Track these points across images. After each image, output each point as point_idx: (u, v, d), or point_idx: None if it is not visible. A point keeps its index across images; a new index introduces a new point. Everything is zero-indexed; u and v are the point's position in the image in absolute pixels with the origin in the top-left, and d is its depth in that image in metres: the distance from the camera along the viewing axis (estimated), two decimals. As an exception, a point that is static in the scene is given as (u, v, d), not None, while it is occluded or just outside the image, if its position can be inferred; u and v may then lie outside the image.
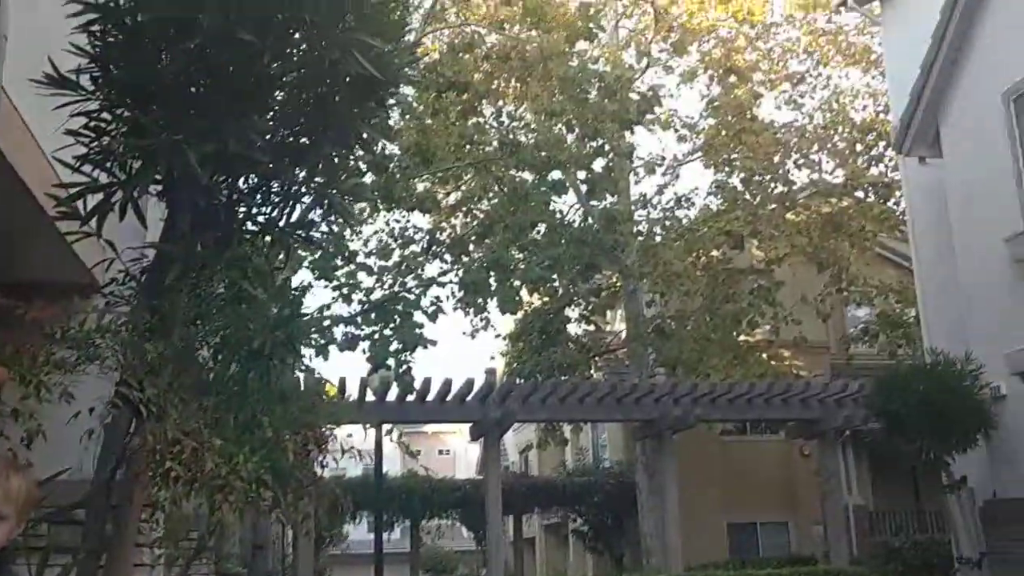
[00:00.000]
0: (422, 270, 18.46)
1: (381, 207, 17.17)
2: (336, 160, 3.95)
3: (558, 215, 18.32)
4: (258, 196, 3.73)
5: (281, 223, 3.88)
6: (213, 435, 2.87)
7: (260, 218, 3.84)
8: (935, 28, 10.75)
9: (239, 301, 3.61)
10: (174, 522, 4.06)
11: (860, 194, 20.01)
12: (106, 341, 2.84)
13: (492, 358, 22.79)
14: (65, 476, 3.24)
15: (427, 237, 18.65)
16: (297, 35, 3.43)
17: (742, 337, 19.19)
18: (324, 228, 4.21)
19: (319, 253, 15.93)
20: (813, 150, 20.62)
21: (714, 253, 19.21)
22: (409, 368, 16.98)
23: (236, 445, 3.10)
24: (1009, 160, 9.80)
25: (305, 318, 4.17)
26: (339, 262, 17.39)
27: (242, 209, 3.71)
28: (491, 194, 18.56)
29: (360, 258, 17.98)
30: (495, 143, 17.64)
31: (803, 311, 18.86)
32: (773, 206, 19.01)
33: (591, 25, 18.25)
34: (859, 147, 20.66)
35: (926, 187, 12.12)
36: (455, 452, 43.61)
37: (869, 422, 12.54)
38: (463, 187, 19.15)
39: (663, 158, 20.84)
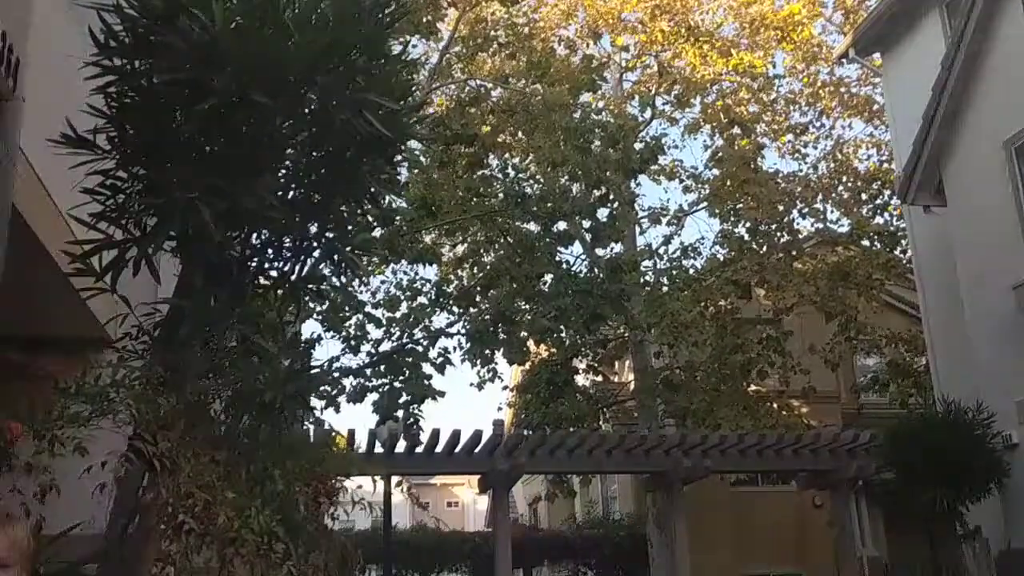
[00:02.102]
0: (430, 321, 18.52)
1: (389, 259, 17.29)
2: (346, 215, 4.02)
3: (564, 266, 18.40)
4: (270, 251, 3.80)
5: (292, 277, 3.94)
6: (225, 488, 2.90)
7: (272, 272, 3.90)
8: (936, 80, 10.90)
9: (250, 354, 3.65)
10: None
11: (866, 243, 20.06)
12: (120, 395, 2.88)
13: (499, 409, 22.74)
14: (78, 530, 3.25)
15: (434, 289, 18.74)
16: (309, 95, 3.52)
17: (752, 387, 19.10)
18: (334, 281, 4.27)
19: (327, 305, 16.03)
20: (818, 200, 20.73)
21: (722, 303, 19.19)
22: (417, 420, 16.97)
23: (248, 498, 3.12)
24: (1013, 209, 9.86)
25: (315, 371, 4.20)
26: (347, 313, 17.48)
27: (254, 263, 3.77)
28: (497, 245, 18.68)
29: (368, 309, 18.07)
30: (501, 195, 17.80)
31: (812, 361, 18.79)
32: (780, 255, 19.06)
33: (595, 76, 18.53)
34: (864, 196, 20.78)
35: (932, 236, 12.19)
36: (464, 504, 43.21)
37: (882, 472, 12.45)
38: (469, 239, 19.28)
39: (666, 209, 21.00)
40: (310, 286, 4.01)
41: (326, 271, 4.00)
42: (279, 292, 3.99)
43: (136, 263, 3.48)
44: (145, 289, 3.90)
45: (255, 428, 3.69)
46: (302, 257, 3.98)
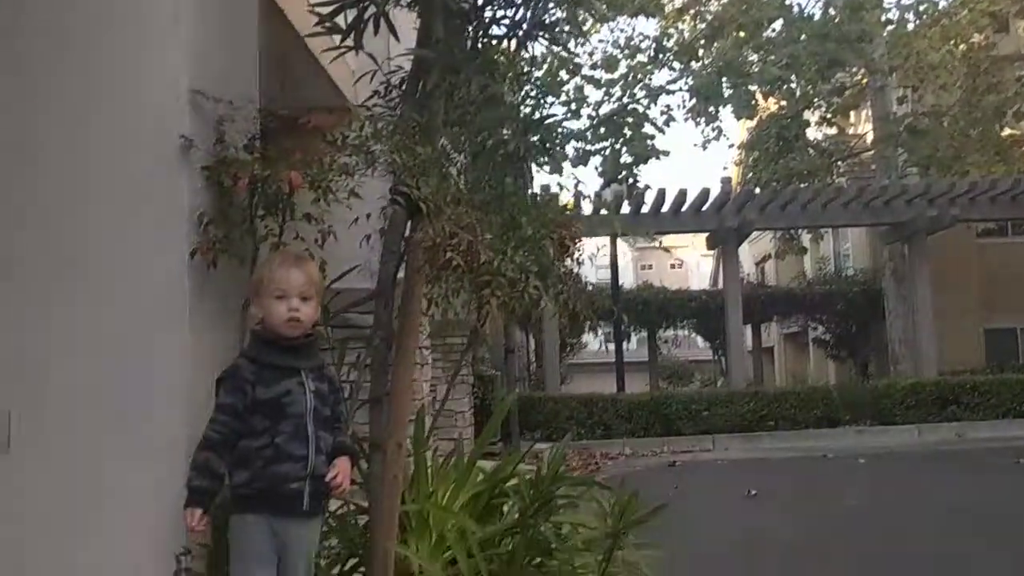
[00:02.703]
0: (650, 79, 18.01)
1: (606, 13, 16.67)
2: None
3: (795, 8, 17.07)
4: (502, -1, 3.74)
5: (525, 25, 3.88)
6: (484, 231, 3.04)
7: (504, 21, 3.86)
8: None
9: (492, 105, 3.70)
10: (445, 321, 4.41)
11: None
12: (381, 145, 3.03)
13: (725, 168, 22.21)
14: (354, 272, 3.56)
15: (654, 45, 18.05)
16: None
17: (1006, 131, 17.52)
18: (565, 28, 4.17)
19: (544, 68, 15.89)
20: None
21: (975, 39, 17.31)
22: (640, 181, 16.95)
23: (502, 241, 3.27)
24: None
25: (552, 119, 4.20)
26: (564, 76, 17.29)
27: (488, 13, 3.74)
28: (720, -9, 17.53)
29: (586, 71, 17.77)
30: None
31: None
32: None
33: None
34: None
35: None
36: (687, 266, 43.58)
37: None
38: (690, -14, 18.19)
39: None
40: (543, 33, 3.93)
41: (557, 14, 3.90)
42: (513, 42, 3.96)
43: (376, 20, 3.54)
44: (379, 56, 3.97)
45: (501, 177, 3.79)
46: (532, 4, 3.90)
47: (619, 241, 18.53)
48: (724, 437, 13.76)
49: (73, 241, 2.97)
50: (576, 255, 4.14)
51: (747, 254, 29.64)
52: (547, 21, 3.95)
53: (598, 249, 19.36)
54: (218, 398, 2.62)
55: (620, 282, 18.86)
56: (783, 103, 18.88)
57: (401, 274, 3.36)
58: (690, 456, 12.11)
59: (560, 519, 3.57)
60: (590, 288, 13.19)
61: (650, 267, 41.52)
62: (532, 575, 3.41)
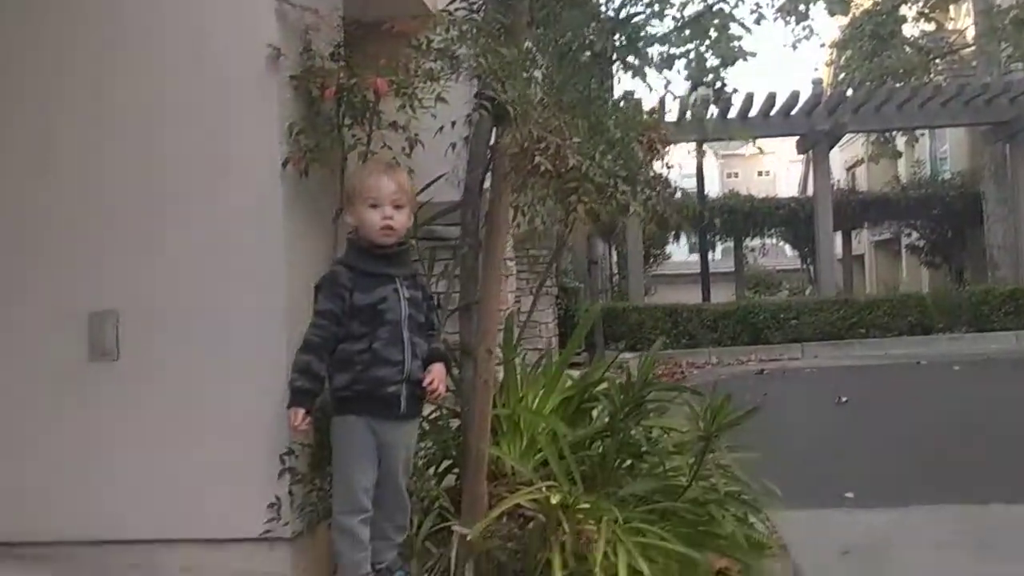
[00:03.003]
0: (736, -23, 17.25)
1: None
2: None
3: None
4: None
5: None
6: (572, 134, 2.99)
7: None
8: None
9: (577, 4, 3.60)
10: (530, 232, 4.40)
11: None
12: (465, 48, 2.98)
13: (816, 69, 21.35)
14: (441, 181, 3.57)
15: (740, -61, 17.25)
16: None
17: None
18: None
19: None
20: None
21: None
22: (726, 85, 16.41)
23: (589, 146, 3.21)
24: None
25: (639, 16, 4.07)
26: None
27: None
28: None
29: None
30: None
31: None
32: None
33: None
34: None
35: None
36: (775, 174, 42.43)
37: None
38: None
39: None
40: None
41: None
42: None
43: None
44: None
45: (587, 79, 3.71)
46: None
47: (705, 150, 18.11)
48: (813, 345, 13.57)
49: (166, 155, 3.03)
50: (665, 158, 4.06)
51: (837, 160, 28.68)
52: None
53: (688, 153, 18.92)
54: (317, 304, 2.69)
55: (706, 191, 18.49)
56: (879, -3, 17.96)
57: (487, 184, 3.35)
58: (778, 364, 11.99)
59: (650, 423, 3.59)
60: (678, 195, 12.91)
61: (736, 175, 40.61)
62: (622, 477, 3.45)
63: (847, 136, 18.49)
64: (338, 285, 2.67)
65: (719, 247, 24.40)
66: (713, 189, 26.12)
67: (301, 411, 2.61)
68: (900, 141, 21.73)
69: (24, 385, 3.05)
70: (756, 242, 24.44)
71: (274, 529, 2.89)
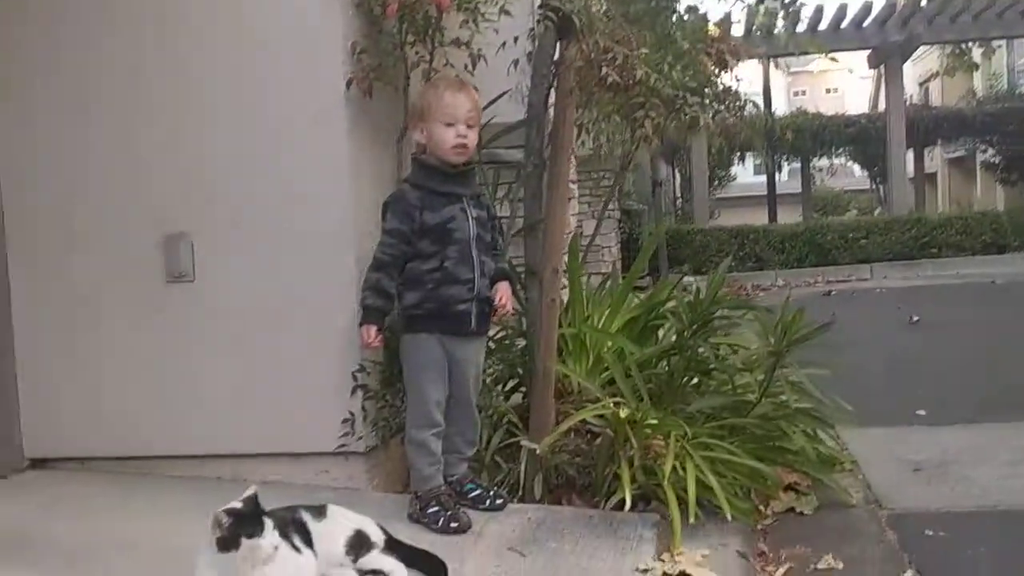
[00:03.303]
0: None
1: None
2: None
3: None
4: None
5: None
6: (639, 44, 2.92)
7: None
8: None
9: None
10: (593, 153, 4.34)
11: None
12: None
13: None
14: (504, 98, 3.52)
15: None
16: None
17: None
18: None
19: None
20: None
21: None
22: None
23: (658, 57, 3.14)
24: None
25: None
26: None
27: None
28: None
29: None
30: None
31: None
32: None
33: None
34: None
35: None
36: (843, 91, 41.06)
37: None
38: None
39: None
40: None
41: None
42: None
43: None
44: None
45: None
46: None
47: (772, 65, 17.55)
48: (882, 266, 13.28)
49: (231, 76, 3.04)
50: (735, 70, 3.94)
51: (910, 75, 27.61)
52: None
53: (755, 69, 18.31)
54: (386, 223, 2.70)
55: (772, 109, 17.95)
56: None
57: (551, 102, 3.29)
58: (847, 285, 11.78)
59: (719, 340, 3.57)
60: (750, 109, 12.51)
61: (803, 93, 39.44)
62: (690, 394, 3.46)
63: (920, 49, 17.73)
64: (407, 204, 2.67)
65: (785, 168, 23.83)
66: (780, 107, 25.40)
67: (373, 328, 2.64)
68: (976, 53, 20.78)
69: (109, 307, 3.14)
70: (824, 162, 23.79)
71: (349, 443, 2.96)
